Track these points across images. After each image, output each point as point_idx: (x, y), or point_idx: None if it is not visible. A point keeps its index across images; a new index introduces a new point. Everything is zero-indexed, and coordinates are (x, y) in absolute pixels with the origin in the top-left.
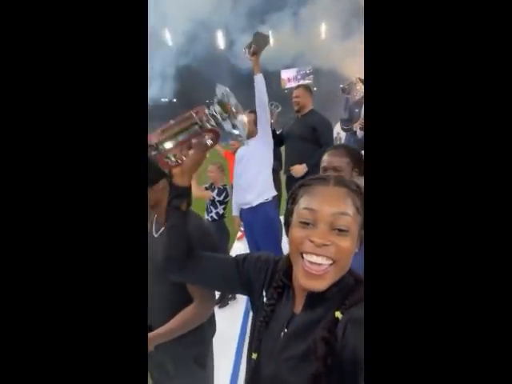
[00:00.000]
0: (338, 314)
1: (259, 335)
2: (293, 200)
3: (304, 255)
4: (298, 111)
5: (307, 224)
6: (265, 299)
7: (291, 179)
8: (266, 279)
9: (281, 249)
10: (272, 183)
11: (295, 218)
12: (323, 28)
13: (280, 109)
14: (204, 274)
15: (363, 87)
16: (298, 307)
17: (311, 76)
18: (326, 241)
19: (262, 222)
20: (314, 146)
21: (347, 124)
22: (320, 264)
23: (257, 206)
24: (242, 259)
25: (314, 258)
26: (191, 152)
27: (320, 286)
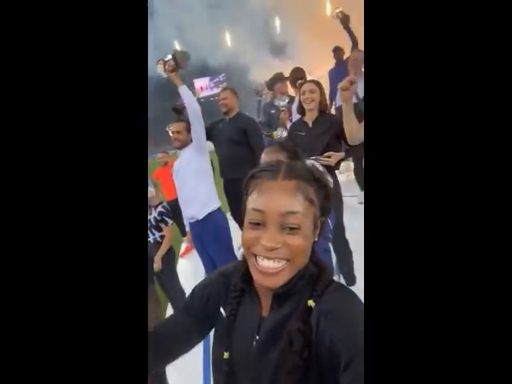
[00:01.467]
0: (310, 303)
1: (228, 332)
2: (246, 192)
3: (257, 257)
4: (225, 113)
5: (257, 225)
6: (223, 313)
7: (229, 182)
8: (221, 296)
9: (235, 257)
10: (215, 193)
11: (246, 217)
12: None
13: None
14: (167, 350)
15: (270, 92)
16: (266, 310)
17: (224, 83)
18: (275, 244)
19: (211, 233)
20: (246, 149)
21: (267, 129)
22: (273, 267)
23: (203, 218)
24: (189, 302)
25: (266, 262)
26: None
27: (276, 282)
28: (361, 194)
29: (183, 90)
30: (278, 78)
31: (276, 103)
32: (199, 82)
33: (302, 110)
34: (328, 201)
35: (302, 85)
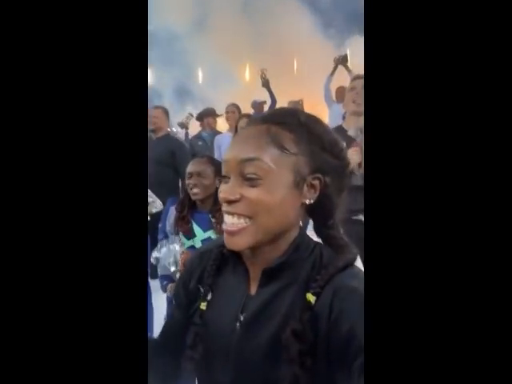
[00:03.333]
0: (309, 297)
1: (208, 280)
2: None
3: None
4: (153, 131)
5: (225, 177)
6: (201, 289)
7: None
8: (203, 272)
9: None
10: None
11: None
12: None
13: None
14: (175, 351)
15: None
16: (254, 287)
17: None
18: (229, 195)
19: None
20: (171, 171)
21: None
22: (233, 223)
23: None
24: (176, 296)
25: (227, 218)
26: None
27: (238, 243)
28: None
29: None
30: (209, 113)
31: (204, 135)
32: None
33: None
34: (327, 154)
35: (240, 118)
